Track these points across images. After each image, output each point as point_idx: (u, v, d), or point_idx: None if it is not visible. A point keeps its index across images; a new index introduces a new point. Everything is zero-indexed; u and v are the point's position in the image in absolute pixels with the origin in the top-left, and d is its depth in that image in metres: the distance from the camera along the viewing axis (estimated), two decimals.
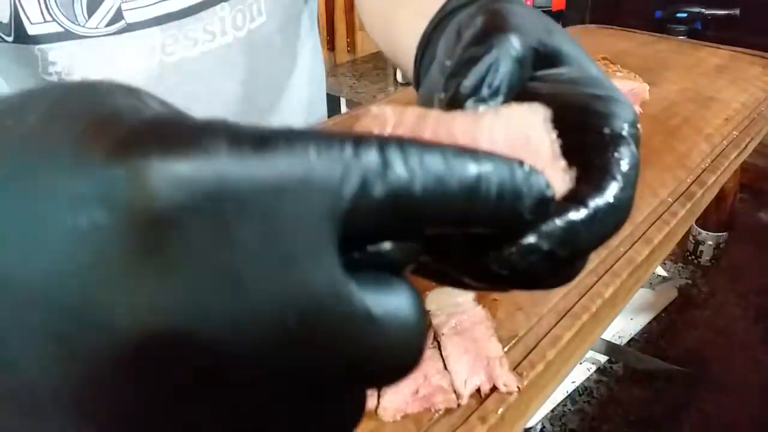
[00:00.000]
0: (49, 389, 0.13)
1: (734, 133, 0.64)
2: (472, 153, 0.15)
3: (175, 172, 0.12)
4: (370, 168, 0.14)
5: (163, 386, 0.13)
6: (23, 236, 0.12)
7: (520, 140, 0.19)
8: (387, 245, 0.16)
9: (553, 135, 0.20)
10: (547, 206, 0.17)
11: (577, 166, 0.20)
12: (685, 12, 1.67)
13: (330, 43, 1.88)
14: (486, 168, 0.15)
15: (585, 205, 0.20)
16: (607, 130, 0.22)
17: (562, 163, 0.19)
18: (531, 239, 0.19)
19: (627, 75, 0.69)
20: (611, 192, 0.21)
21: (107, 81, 0.15)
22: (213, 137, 0.13)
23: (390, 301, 0.15)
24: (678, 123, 0.65)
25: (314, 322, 0.13)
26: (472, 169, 0.15)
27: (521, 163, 0.16)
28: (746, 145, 0.64)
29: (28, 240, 0.12)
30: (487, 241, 0.20)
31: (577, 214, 0.20)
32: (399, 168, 0.14)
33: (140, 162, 0.12)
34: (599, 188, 0.21)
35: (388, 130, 0.19)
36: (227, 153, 0.13)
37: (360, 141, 0.14)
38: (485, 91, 0.23)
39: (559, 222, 0.19)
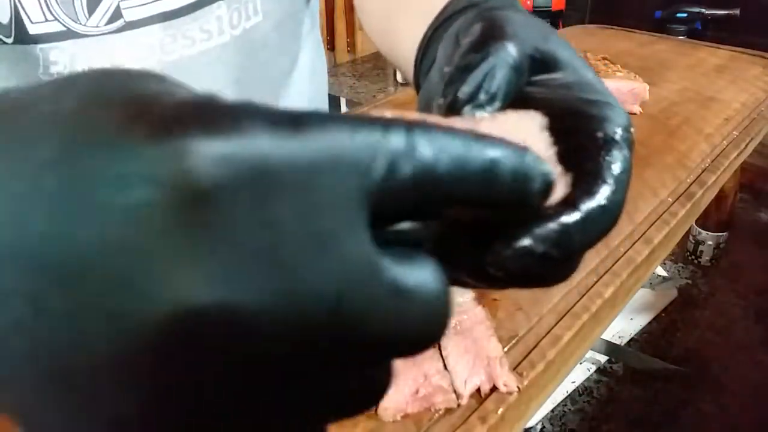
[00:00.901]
0: (86, 361, 0.13)
1: (734, 133, 0.64)
2: (489, 139, 0.16)
3: (215, 152, 0.12)
4: (398, 149, 0.14)
5: (204, 361, 0.13)
6: (70, 215, 0.13)
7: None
8: (408, 224, 0.16)
9: (549, 142, 0.20)
10: (550, 190, 0.18)
11: (570, 169, 0.21)
12: (685, 12, 1.67)
13: (330, 43, 1.88)
14: (501, 152, 0.16)
15: (577, 209, 0.21)
16: (600, 134, 0.23)
17: (557, 169, 0.20)
18: (525, 242, 0.20)
19: (627, 75, 0.69)
20: (602, 195, 0.21)
21: (138, 69, 0.16)
22: (251, 118, 0.13)
23: (417, 275, 0.15)
24: (678, 123, 0.65)
25: (351, 296, 0.14)
26: (490, 152, 0.16)
27: (529, 151, 0.17)
28: (746, 145, 0.64)
29: (75, 217, 0.13)
30: (484, 242, 0.20)
31: (570, 218, 0.20)
32: (424, 149, 0.15)
33: (181, 142, 0.12)
34: (591, 192, 0.21)
35: None
36: (264, 133, 0.13)
37: (388, 124, 0.15)
38: (482, 97, 0.24)
39: (552, 225, 0.20)
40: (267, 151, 0.13)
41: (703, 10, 1.65)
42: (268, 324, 0.13)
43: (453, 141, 0.15)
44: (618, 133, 0.23)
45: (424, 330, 0.15)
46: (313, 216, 0.13)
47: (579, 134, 0.23)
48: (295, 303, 0.13)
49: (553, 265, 0.21)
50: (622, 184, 0.22)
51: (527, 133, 0.20)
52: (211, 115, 0.13)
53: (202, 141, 0.12)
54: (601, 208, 0.21)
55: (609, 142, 0.23)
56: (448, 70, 0.25)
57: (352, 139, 0.14)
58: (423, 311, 0.15)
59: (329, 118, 0.14)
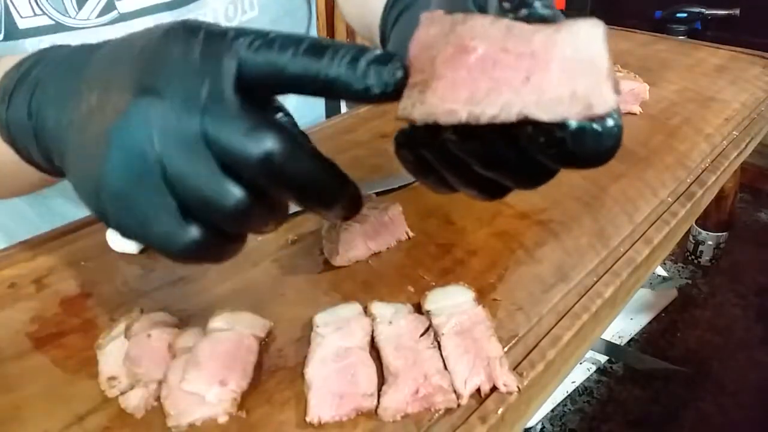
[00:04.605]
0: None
1: (734, 133, 0.64)
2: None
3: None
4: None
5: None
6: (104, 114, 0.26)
7: (585, 55, 0.22)
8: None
9: (608, 50, 0.23)
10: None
11: None
12: (685, 12, 1.67)
13: None
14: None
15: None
16: None
17: (614, 76, 0.22)
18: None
19: (627, 75, 0.69)
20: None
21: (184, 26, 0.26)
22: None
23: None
24: (678, 123, 0.65)
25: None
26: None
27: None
28: (746, 145, 0.64)
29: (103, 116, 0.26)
30: None
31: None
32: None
33: (135, 108, 0.25)
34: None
35: (471, 44, 0.24)
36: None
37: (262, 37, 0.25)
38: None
39: None
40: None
41: (703, 10, 1.65)
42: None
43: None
44: None
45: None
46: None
47: None
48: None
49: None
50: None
51: (595, 42, 0.22)
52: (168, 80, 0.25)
53: (145, 104, 0.25)
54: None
55: None
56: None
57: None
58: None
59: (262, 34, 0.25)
